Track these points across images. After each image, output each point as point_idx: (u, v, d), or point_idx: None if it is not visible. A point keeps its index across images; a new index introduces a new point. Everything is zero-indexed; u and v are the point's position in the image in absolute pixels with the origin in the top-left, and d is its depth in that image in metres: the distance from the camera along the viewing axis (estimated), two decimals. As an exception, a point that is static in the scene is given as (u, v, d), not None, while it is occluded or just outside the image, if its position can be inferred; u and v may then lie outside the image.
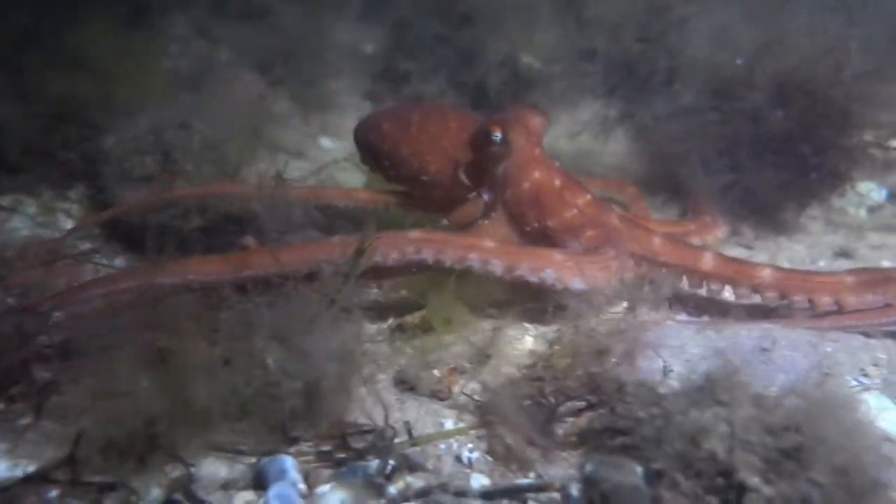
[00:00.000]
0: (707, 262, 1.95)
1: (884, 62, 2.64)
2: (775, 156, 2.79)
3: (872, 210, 3.02)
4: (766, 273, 1.91)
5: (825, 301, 1.86)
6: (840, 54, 2.71)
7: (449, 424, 1.57)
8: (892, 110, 2.59)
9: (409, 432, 1.50)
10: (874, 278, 1.87)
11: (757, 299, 1.94)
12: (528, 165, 2.07)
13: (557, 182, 2.07)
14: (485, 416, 1.51)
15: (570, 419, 1.48)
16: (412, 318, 1.85)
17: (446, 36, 3.91)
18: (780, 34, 2.84)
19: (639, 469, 1.18)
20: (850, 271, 1.96)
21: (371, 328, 1.87)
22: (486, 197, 2.13)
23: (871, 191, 3.13)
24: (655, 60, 3.07)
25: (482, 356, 1.74)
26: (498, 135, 2.07)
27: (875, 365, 1.68)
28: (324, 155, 3.30)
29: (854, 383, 1.61)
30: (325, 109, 3.69)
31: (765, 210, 2.81)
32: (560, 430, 1.46)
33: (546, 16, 3.69)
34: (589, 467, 1.21)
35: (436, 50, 3.90)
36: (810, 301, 1.89)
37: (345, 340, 1.47)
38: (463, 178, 2.19)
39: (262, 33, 3.92)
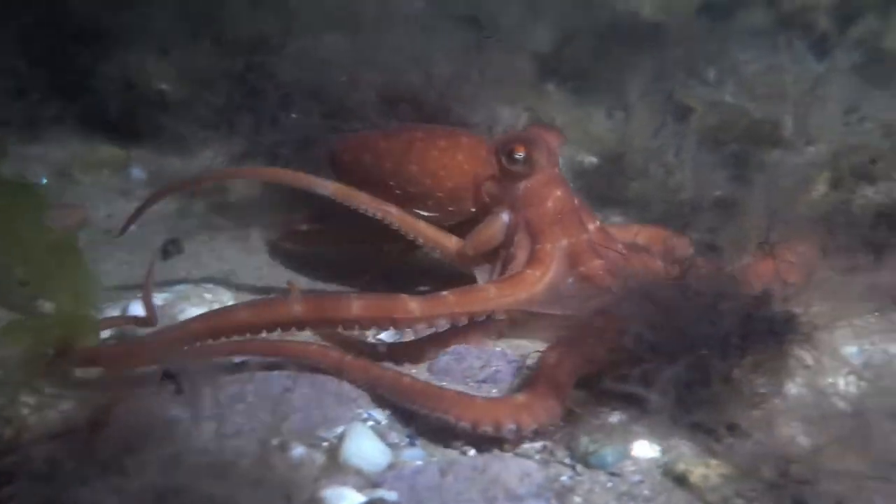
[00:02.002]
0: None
1: (464, 65, 2.96)
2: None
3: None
4: None
5: None
6: (427, 63, 2.96)
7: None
8: (479, 108, 2.90)
9: None
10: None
11: None
12: (551, 184, 2.09)
13: (576, 202, 2.11)
14: None
15: None
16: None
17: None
18: (373, 51, 2.99)
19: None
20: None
21: None
22: (505, 218, 2.08)
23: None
24: (266, 92, 2.95)
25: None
26: (521, 154, 2.05)
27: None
28: None
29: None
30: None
31: None
32: None
33: (181, 36, 3.27)
34: None
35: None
36: None
37: None
38: (485, 195, 2.13)
39: None
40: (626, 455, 1.58)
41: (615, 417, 1.66)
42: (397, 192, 2.18)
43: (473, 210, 2.16)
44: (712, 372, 1.56)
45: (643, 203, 2.72)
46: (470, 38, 3.32)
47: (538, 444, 1.59)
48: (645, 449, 1.60)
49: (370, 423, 1.62)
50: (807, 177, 2.39)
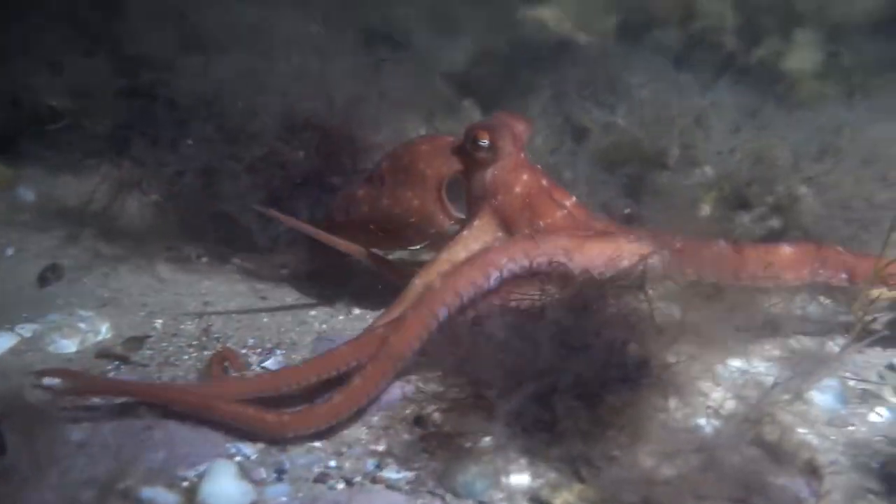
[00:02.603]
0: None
1: (363, 88, 2.95)
2: (317, 190, 2.87)
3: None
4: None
5: None
6: (329, 87, 2.93)
7: None
8: (378, 129, 2.90)
9: None
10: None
11: None
12: (518, 169, 2.07)
13: (545, 182, 2.08)
14: None
15: None
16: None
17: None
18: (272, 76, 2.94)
19: None
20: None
21: None
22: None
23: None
24: (162, 114, 2.86)
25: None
26: (485, 141, 2.04)
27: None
28: None
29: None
30: None
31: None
32: None
33: (74, 51, 3.13)
34: None
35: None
36: None
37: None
38: (444, 198, 2.12)
39: None
40: (496, 483, 1.59)
41: (489, 445, 1.68)
42: (380, 234, 2.19)
43: (452, 222, 2.13)
44: (563, 407, 1.60)
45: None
46: (372, 59, 3.31)
47: (409, 475, 1.59)
48: (517, 477, 1.62)
49: (238, 458, 1.59)
50: (693, 199, 2.48)
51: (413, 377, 1.85)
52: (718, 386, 1.87)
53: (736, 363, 1.94)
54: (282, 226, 2.61)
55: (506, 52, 4.00)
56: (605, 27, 5.26)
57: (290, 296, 2.42)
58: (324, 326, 2.16)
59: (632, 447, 1.63)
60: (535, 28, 4.55)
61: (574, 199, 2.08)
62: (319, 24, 3.74)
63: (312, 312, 2.28)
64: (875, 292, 2.02)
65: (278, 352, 2.02)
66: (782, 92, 3.98)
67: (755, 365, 1.97)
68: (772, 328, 2.07)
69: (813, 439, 1.72)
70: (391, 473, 1.58)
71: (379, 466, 1.61)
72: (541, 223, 2.01)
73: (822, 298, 2.26)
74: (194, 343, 2.06)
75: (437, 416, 1.75)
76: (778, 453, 1.67)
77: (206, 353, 2.00)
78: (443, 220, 2.12)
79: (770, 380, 1.86)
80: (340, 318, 2.27)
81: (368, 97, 3.00)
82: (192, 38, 3.09)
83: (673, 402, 1.77)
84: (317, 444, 1.65)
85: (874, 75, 3.69)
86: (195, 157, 2.80)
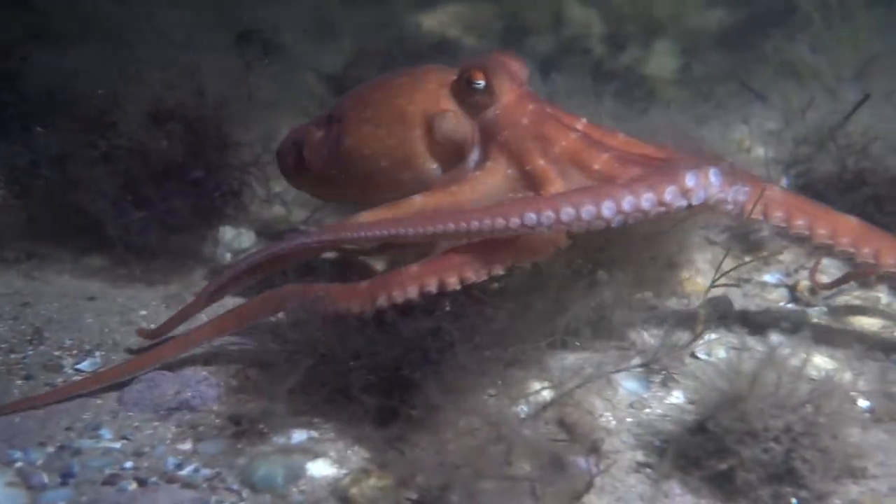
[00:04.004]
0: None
1: (234, 86, 2.86)
2: (177, 184, 2.77)
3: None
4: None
5: None
6: (198, 80, 2.83)
7: None
8: (248, 128, 2.82)
9: None
10: None
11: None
12: (522, 101, 1.86)
13: (549, 109, 1.88)
14: None
15: None
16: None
17: None
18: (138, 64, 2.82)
19: None
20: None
21: None
22: (475, 155, 1.86)
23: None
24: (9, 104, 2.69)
25: None
26: (480, 82, 1.83)
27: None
28: None
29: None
30: None
31: (187, 239, 2.77)
32: None
33: None
34: None
35: None
36: None
37: None
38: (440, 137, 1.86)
39: None
40: (300, 475, 1.54)
41: (298, 437, 1.65)
42: (345, 181, 1.97)
43: (434, 167, 1.89)
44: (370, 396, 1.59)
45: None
46: (244, 58, 3.23)
47: (210, 472, 1.53)
48: (322, 467, 1.58)
49: (19, 463, 1.48)
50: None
51: (233, 380, 1.79)
52: (542, 375, 1.92)
53: (568, 356, 1.98)
54: (134, 214, 2.51)
55: (383, 51, 3.98)
56: (492, 32, 5.34)
57: (122, 296, 2.30)
58: (152, 326, 2.07)
59: (436, 433, 1.64)
60: (414, 29, 4.56)
61: (584, 119, 1.89)
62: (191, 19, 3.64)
63: (143, 312, 2.17)
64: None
65: (97, 353, 1.92)
66: (642, 95, 4.15)
67: (583, 355, 2.02)
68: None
69: (611, 421, 1.77)
70: (190, 472, 1.51)
71: (180, 465, 1.53)
72: (555, 149, 1.78)
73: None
74: (3, 346, 1.92)
75: (254, 412, 1.71)
76: (574, 434, 1.73)
77: (12, 356, 1.87)
78: (424, 164, 1.88)
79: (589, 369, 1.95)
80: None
81: (239, 95, 2.92)
82: (42, 27, 2.92)
83: (493, 390, 1.82)
84: (116, 445, 1.57)
85: (718, 83, 3.89)
86: (48, 146, 2.66)
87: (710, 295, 2.15)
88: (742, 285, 2.38)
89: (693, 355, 2.04)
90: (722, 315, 2.13)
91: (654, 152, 1.87)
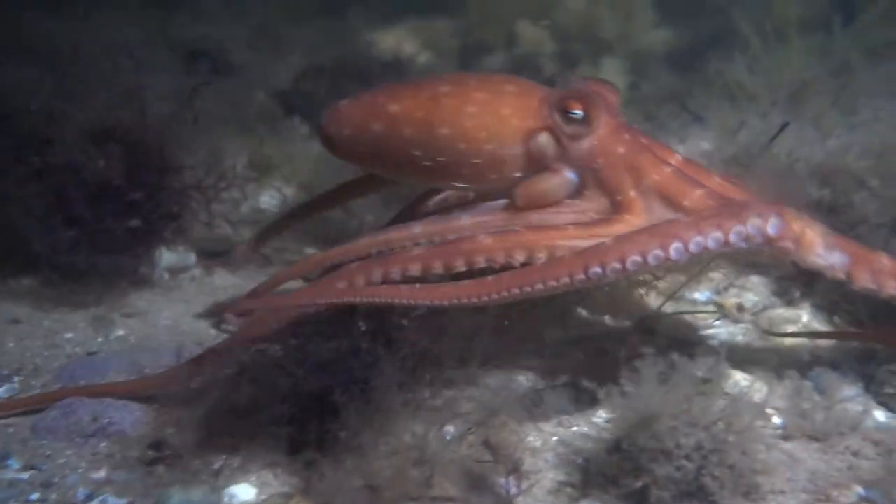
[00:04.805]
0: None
1: (178, 107, 2.83)
2: (113, 204, 2.73)
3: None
4: None
5: None
6: (141, 101, 2.80)
7: None
8: (192, 151, 2.79)
9: None
10: None
11: None
12: (617, 132, 1.87)
13: (644, 140, 1.90)
14: None
15: None
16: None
17: None
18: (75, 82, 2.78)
19: None
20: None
21: None
22: (570, 176, 1.88)
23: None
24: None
25: None
26: (579, 112, 1.83)
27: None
28: None
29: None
30: None
31: (120, 259, 2.73)
32: None
33: None
34: None
35: None
36: None
37: None
38: (535, 153, 1.86)
39: None
40: (218, 500, 1.54)
41: (217, 463, 1.63)
42: (425, 163, 1.87)
43: (519, 175, 1.88)
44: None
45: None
46: (191, 79, 3.20)
47: (121, 502, 1.51)
48: (244, 490, 1.57)
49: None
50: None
51: (154, 405, 1.77)
52: (470, 394, 1.93)
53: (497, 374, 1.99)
54: (63, 232, 2.46)
55: (333, 67, 3.99)
56: (448, 50, 5.38)
57: (48, 318, 2.25)
58: (77, 349, 2.02)
59: (361, 455, 1.64)
60: (367, 46, 4.58)
61: (679, 155, 1.93)
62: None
63: (69, 335, 2.14)
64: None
65: (15, 378, 1.88)
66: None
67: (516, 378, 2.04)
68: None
69: (536, 440, 1.79)
70: (98, 503, 1.50)
71: (90, 496, 1.50)
72: (647, 181, 1.81)
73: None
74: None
75: (174, 438, 1.69)
76: (498, 454, 1.73)
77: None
78: (512, 172, 1.88)
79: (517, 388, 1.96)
80: (99, 339, 2.14)
81: (183, 118, 2.90)
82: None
83: (419, 411, 1.82)
84: (24, 476, 1.53)
85: (664, 103, 3.97)
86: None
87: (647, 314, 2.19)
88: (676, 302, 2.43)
89: (618, 373, 2.07)
90: (648, 331, 2.17)
91: (746, 195, 1.90)
